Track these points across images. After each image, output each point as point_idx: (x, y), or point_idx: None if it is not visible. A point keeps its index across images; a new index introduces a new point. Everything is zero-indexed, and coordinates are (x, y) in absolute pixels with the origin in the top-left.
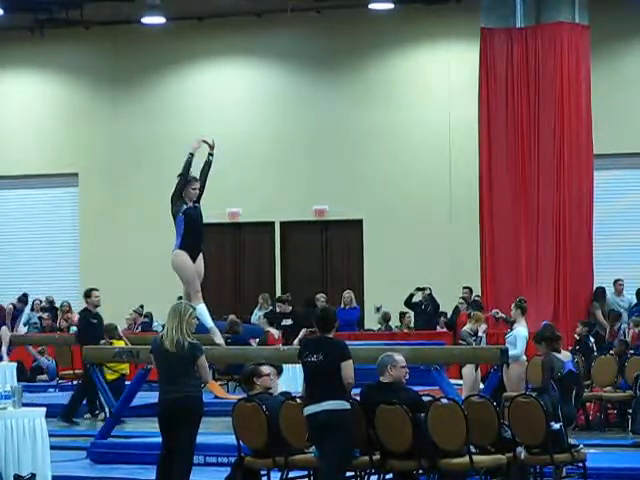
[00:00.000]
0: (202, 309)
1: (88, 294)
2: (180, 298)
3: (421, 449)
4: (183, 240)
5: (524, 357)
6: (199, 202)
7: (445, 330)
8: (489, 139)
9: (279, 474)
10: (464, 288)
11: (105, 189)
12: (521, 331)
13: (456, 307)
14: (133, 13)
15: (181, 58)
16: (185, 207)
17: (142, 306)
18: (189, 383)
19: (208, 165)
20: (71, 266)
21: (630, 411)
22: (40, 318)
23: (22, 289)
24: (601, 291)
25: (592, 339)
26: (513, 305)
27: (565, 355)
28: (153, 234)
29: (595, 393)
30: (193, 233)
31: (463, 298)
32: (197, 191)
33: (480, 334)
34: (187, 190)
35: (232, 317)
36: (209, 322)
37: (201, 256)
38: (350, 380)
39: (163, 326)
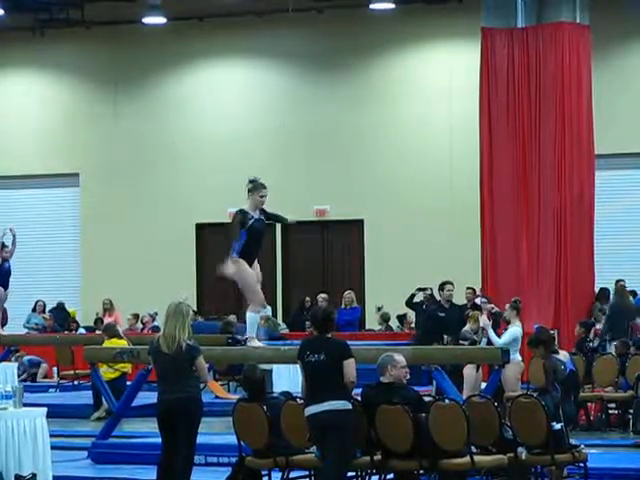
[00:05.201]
0: (255, 318)
1: (442, 287)
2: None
3: (422, 449)
4: (243, 248)
5: (519, 357)
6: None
7: None
8: (490, 139)
9: (280, 474)
10: (468, 289)
11: (106, 189)
12: (512, 329)
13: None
14: (134, 13)
15: (181, 58)
16: (252, 221)
17: (157, 313)
18: (188, 384)
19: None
20: (72, 266)
21: (631, 411)
22: (43, 319)
23: (23, 289)
24: (605, 292)
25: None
26: (508, 306)
27: (564, 355)
28: (154, 234)
29: (596, 393)
30: (254, 245)
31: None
32: (264, 199)
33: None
34: (254, 197)
35: (229, 318)
36: (253, 331)
37: (256, 262)
38: (352, 379)
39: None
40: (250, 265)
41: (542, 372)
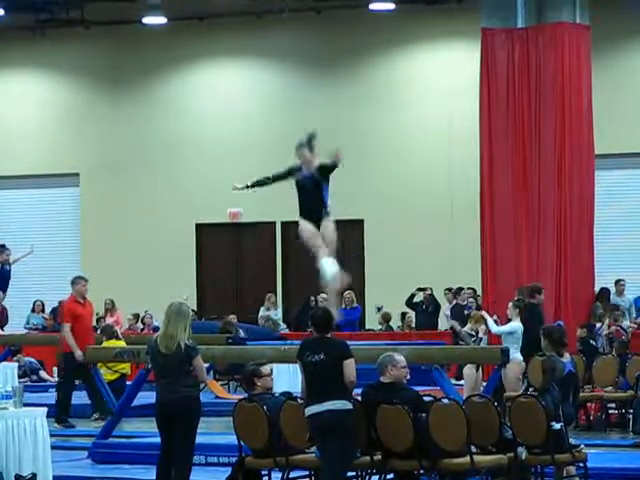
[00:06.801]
0: (325, 262)
1: (539, 291)
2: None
3: (422, 449)
4: (300, 207)
5: (520, 357)
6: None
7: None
8: (490, 139)
9: (280, 474)
10: (468, 289)
11: (106, 189)
12: (513, 323)
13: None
14: (134, 13)
15: (181, 58)
16: (298, 175)
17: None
18: (186, 384)
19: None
20: (72, 266)
21: (631, 411)
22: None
23: (23, 289)
24: (605, 292)
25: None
26: (510, 304)
27: (565, 356)
28: (154, 234)
29: (596, 393)
30: (303, 201)
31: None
32: (304, 158)
33: (481, 335)
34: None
35: (229, 318)
36: (329, 274)
37: (327, 224)
38: (352, 379)
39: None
40: (315, 223)
41: (540, 371)
